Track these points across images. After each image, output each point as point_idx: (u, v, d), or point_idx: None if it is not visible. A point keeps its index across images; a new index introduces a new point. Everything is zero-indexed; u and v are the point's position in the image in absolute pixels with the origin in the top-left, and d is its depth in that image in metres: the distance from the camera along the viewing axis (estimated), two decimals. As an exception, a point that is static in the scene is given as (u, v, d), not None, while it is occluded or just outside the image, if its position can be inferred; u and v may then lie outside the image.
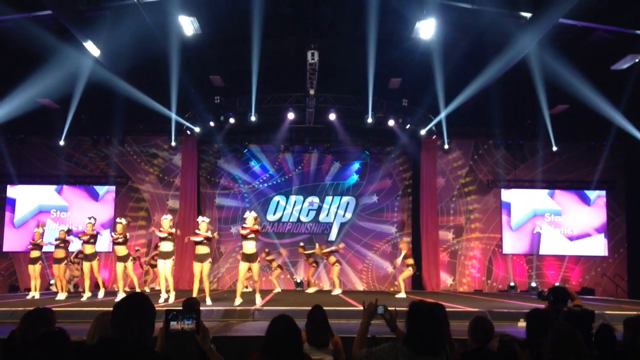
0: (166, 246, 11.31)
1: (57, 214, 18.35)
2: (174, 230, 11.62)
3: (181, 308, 3.77)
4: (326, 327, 4.67)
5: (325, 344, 4.57)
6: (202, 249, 11.16)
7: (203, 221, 11.35)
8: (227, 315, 9.25)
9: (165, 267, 11.35)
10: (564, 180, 18.61)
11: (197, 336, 3.05)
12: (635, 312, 7.68)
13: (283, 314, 3.50)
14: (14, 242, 18.02)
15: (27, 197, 18.37)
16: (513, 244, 18.37)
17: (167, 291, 11.53)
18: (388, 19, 12.69)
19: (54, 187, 18.43)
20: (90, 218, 12.66)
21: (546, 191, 18.64)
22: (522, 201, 18.61)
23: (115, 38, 11.89)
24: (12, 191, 18.39)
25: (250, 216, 11.04)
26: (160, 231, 11.33)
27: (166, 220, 11.41)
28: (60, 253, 13.26)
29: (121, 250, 12.17)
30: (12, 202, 18.38)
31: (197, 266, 11.10)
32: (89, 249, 12.46)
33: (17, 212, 18.34)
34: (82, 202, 18.43)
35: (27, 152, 18.27)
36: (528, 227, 18.41)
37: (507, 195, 18.68)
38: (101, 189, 18.57)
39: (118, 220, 12.31)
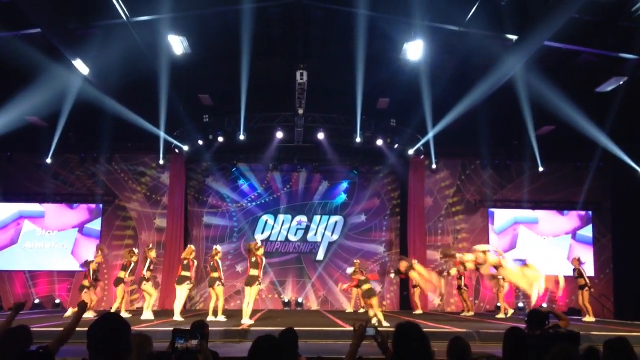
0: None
1: (42, 232, 18.18)
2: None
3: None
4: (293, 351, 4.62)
5: None
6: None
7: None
8: (216, 335, 9.18)
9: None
10: (550, 200, 18.74)
11: (199, 356, 3.16)
12: (620, 334, 7.71)
13: (269, 334, 3.49)
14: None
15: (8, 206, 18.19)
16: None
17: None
18: (377, 40, 12.85)
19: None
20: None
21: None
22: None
23: (104, 57, 11.93)
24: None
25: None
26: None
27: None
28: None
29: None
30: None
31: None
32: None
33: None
34: (58, 209, 18.32)
35: (14, 169, 18.11)
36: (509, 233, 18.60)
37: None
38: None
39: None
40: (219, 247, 12.85)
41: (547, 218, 18.87)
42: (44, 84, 12.34)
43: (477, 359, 4.10)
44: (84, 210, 18.36)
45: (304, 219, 18.93)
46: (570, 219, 18.88)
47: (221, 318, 11.89)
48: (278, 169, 18.94)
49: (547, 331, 4.70)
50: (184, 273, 12.23)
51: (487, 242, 18.43)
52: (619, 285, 17.90)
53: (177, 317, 11.82)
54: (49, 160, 17.15)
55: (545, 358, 3.33)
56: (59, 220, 18.21)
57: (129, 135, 17.12)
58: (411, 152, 17.39)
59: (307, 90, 13.68)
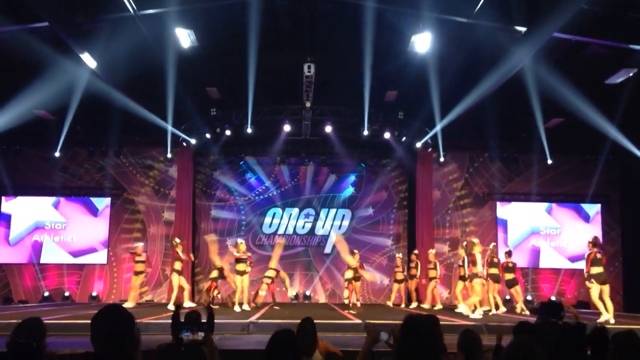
0: (242, 266, 13.81)
1: (53, 225, 18.18)
2: (249, 254, 14.57)
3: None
4: (312, 338, 4.73)
5: (308, 354, 4.63)
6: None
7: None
8: (222, 328, 9.20)
9: (242, 283, 13.77)
10: (559, 193, 18.64)
11: (204, 348, 3.18)
12: (629, 327, 7.68)
13: (286, 328, 3.51)
14: (7, 254, 17.93)
15: (22, 212, 18.06)
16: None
17: (241, 304, 13.69)
18: (384, 32, 12.75)
19: (50, 201, 18.17)
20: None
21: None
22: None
23: (112, 50, 11.91)
24: (7, 206, 18.10)
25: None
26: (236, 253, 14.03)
27: (243, 244, 14.16)
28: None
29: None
30: (7, 217, 18.05)
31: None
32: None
33: (13, 229, 18.00)
34: (79, 217, 18.26)
35: (22, 163, 18.18)
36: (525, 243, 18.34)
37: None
38: (100, 204, 18.31)
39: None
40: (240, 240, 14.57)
41: (569, 224, 18.39)
42: (52, 78, 12.36)
43: (487, 351, 4.09)
44: (107, 217, 18.28)
45: (311, 212, 18.93)
46: (596, 227, 18.15)
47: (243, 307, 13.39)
48: (285, 162, 18.93)
49: (556, 323, 4.67)
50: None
51: (495, 235, 18.37)
52: (628, 278, 17.81)
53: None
54: (57, 154, 17.21)
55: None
56: (83, 235, 18.06)
57: (136, 129, 17.17)
58: (419, 144, 17.34)
59: (314, 83, 13.65)
